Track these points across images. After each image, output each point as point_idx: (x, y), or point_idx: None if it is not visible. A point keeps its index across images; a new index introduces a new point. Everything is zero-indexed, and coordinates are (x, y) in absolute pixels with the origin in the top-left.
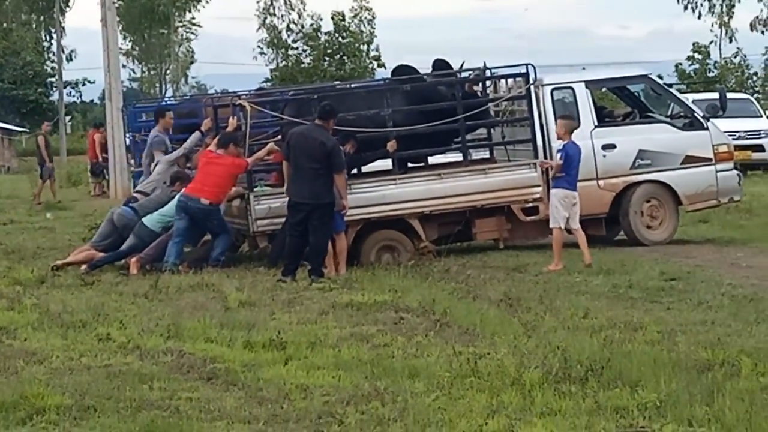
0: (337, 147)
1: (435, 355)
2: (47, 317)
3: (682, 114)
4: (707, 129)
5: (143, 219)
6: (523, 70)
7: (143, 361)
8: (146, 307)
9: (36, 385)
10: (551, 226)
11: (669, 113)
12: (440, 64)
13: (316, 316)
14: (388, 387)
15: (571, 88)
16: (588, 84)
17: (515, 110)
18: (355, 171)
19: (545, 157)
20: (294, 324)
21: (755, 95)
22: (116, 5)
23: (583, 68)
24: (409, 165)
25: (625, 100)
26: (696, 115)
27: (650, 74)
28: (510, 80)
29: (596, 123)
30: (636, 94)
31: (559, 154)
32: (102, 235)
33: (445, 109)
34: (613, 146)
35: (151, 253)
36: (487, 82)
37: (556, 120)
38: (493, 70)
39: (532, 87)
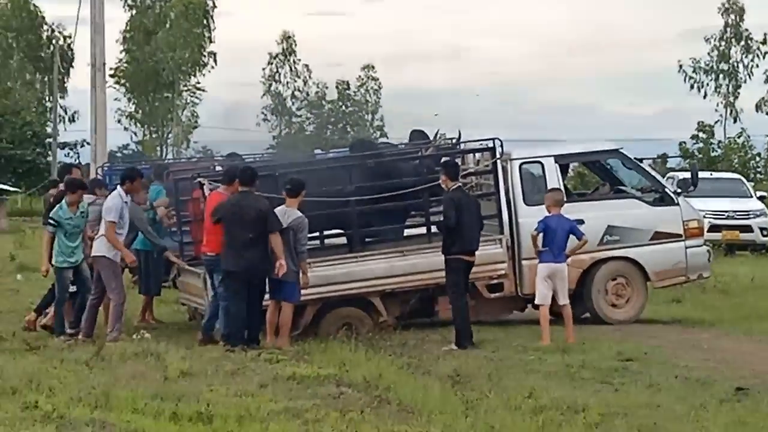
0: (271, 209)
1: None
2: None
3: (652, 189)
4: (677, 204)
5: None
6: (490, 144)
7: None
8: (84, 375)
9: None
10: (536, 302)
11: (640, 188)
12: (417, 135)
13: (254, 389)
14: None
15: (540, 162)
16: (557, 158)
17: (482, 184)
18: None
19: (511, 233)
20: (230, 396)
21: (758, 176)
22: (121, 68)
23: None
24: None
25: (598, 173)
26: (667, 190)
27: (621, 149)
28: (478, 154)
29: (565, 198)
30: (608, 167)
31: (537, 227)
32: None
33: (406, 184)
34: (581, 222)
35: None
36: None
37: (523, 194)
38: (460, 144)
39: (499, 161)
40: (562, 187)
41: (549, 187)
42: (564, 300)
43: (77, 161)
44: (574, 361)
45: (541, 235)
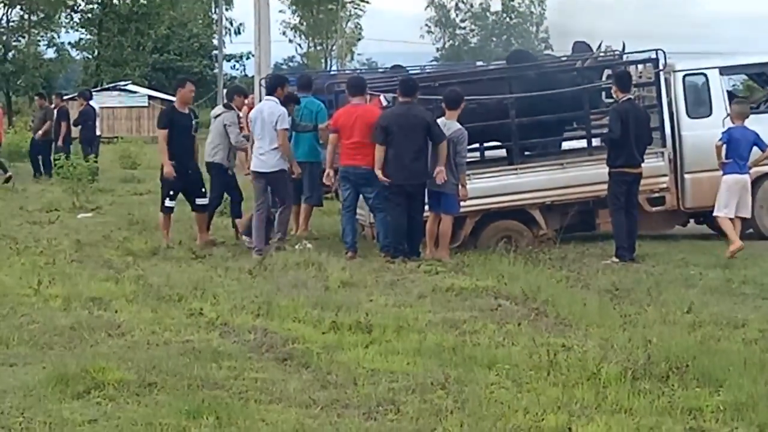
0: (435, 120)
1: (519, 345)
2: (144, 290)
3: None
4: None
5: None
6: (653, 56)
7: (224, 338)
8: (247, 283)
9: (100, 359)
10: (715, 213)
11: None
12: (580, 46)
13: (413, 300)
14: (459, 376)
15: (704, 74)
16: (722, 70)
17: (644, 96)
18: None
19: (673, 146)
20: (389, 306)
21: None
22: None
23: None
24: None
25: (764, 86)
26: None
27: None
28: (640, 66)
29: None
30: None
31: (720, 138)
32: None
33: (564, 95)
34: None
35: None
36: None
37: (687, 107)
38: (623, 56)
39: (661, 73)
40: (727, 100)
41: (713, 100)
42: (747, 212)
43: (243, 73)
44: (735, 277)
45: (724, 146)
